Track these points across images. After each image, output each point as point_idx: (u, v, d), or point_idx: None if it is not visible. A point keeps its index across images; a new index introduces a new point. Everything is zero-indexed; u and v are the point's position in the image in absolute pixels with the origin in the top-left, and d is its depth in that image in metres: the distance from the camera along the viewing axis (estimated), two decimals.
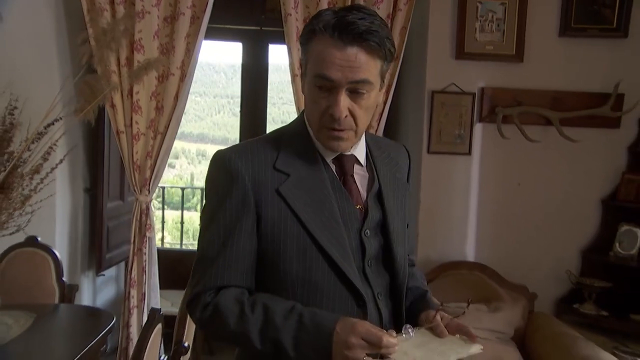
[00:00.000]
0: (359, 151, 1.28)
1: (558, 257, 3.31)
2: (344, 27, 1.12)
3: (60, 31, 3.20)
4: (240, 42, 4.05)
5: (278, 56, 4.42)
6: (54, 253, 2.76)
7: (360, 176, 1.28)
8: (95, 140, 3.51)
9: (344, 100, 1.14)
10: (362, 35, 1.11)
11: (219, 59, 9.65)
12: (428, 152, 3.28)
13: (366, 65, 1.13)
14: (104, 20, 3.01)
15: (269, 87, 4.22)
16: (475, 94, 3.24)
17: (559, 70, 3.24)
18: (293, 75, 3.18)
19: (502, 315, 2.94)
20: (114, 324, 2.33)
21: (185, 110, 3.25)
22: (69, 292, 2.74)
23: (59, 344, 2.25)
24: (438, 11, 3.24)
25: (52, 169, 2.23)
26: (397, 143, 1.47)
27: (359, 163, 1.28)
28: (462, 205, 3.32)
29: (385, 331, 1.10)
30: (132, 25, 2.18)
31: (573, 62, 3.24)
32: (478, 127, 3.28)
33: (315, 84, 1.16)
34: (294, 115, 3.27)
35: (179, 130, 3.26)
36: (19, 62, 2.98)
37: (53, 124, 2.24)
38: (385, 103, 3.20)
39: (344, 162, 1.26)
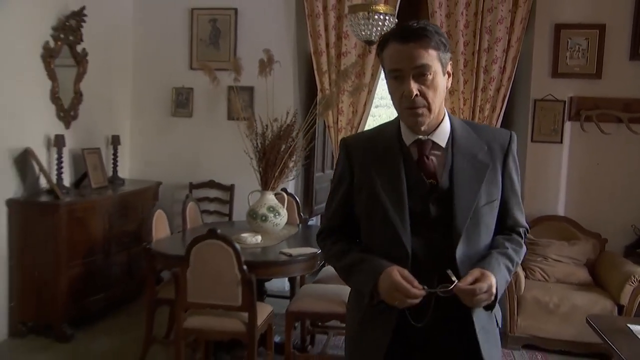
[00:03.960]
0: (437, 136, 1.61)
1: (626, 216, 4.70)
2: (402, 31, 1.54)
3: (294, 67, 5.19)
4: None
5: None
6: (296, 198, 4.72)
7: (437, 156, 1.61)
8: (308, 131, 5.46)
9: (412, 83, 1.50)
10: (414, 33, 1.51)
11: None
12: (531, 141, 4.83)
13: (426, 55, 1.49)
14: (323, 59, 4.95)
15: None
16: (565, 101, 4.74)
17: (629, 83, 4.64)
18: None
19: (577, 247, 4.45)
20: None
21: None
22: (305, 221, 4.69)
23: (314, 242, 4.18)
24: (540, 45, 4.78)
25: (309, 146, 4.15)
26: (500, 130, 1.77)
27: (436, 146, 1.61)
28: (555, 178, 4.83)
29: (410, 284, 1.47)
30: (356, 67, 4.03)
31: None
32: (567, 124, 4.77)
33: (391, 76, 1.55)
34: None
35: None
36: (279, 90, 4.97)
37: (310, 122, 4.16)
38: (501, 109, 4.81)
39: (422, 145, 1.61)
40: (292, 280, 4.36)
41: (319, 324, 4.08)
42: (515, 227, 1.70)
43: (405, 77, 1.51)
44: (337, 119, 5.03)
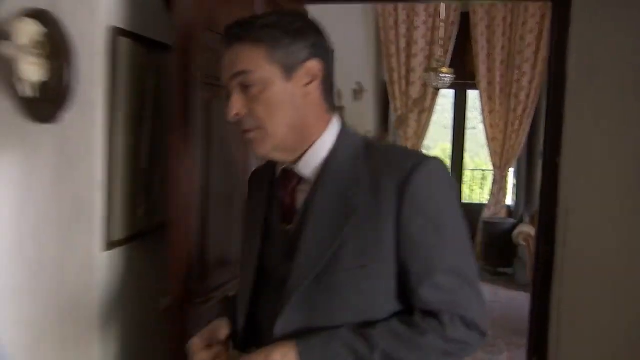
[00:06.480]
0: (302, 166, 1.17)
1: None
2: (225, 31, 1.14)
3: (373, 93, 7.10)
4: (453, 89, 7.60)
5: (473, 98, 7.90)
6: None
7: (303, 193, 1.17)
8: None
9: (237, 100, 1.11)
10: (234, 32, 1.11)
11: None
12: None
13: (245, 56, 1.09)
14: (396, 87, 6.84)
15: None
16: None
17: None
18: (482, 110, 6.71)
19: None
20: None
21: None
22: None
23: None
24: None
25: None
26: (407, 156, 1.13)
27: (304, 179, 1.17)
28: None
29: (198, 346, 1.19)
30: (420, 93, 5.92)
31: None
32: None
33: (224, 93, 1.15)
34: (481, 135, 6.80)
35: None
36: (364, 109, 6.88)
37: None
38: (527, 124, 6.56)
39: (285, 178, 1.20)
40: None
41: None
42: (419, 307, 1.10)
43: (230, 94, 1.12)
44: (406, 131, 6.92)
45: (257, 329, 1.21)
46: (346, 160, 1.15)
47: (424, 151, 6.32)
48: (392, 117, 6.98)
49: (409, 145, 6.91)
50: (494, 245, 6.60)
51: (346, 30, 7.05)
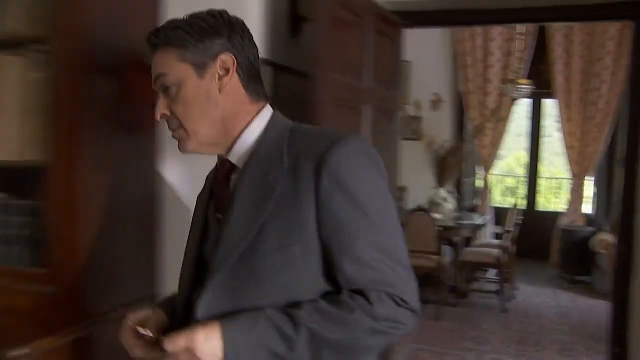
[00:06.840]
0: (233, 154, 1.21)
1: None
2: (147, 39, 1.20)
3: (450, 102, 7.30)
4: (531, 98, 7.67)
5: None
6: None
7: (233, 181, 1.21)
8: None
9: (161, 102, 1.18)
10: (151, 39, 1.18)
11: None
12: None
13: (161, 61, 1.17)
14: (472, 97, 7.02)
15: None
16: None
17: None
18: (559, 118, 6.78)
19: None
20: None
21: None
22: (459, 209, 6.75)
23: (469, 218, 6.25)
24: None
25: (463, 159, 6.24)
26: (325, 136, 1.17)
27: (235, 168, 1.21)
28: None
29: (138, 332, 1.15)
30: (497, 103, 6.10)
31: None
32: None
33: None
34: (556, 143, 6.87)
35: None
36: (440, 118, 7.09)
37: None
38: (606, 132, 6.59)
39: (221, 168, 1.25)
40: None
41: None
42: (346, 286, 1.11)
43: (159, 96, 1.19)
44: (482, 140, 7.07)
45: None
46: (272, 145, 1.18)
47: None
48: (468, 126, 7.14)
49: (485, 153, 7.07)
50: (572, 252, 6.63)
51: (424, 43, 7.28)
